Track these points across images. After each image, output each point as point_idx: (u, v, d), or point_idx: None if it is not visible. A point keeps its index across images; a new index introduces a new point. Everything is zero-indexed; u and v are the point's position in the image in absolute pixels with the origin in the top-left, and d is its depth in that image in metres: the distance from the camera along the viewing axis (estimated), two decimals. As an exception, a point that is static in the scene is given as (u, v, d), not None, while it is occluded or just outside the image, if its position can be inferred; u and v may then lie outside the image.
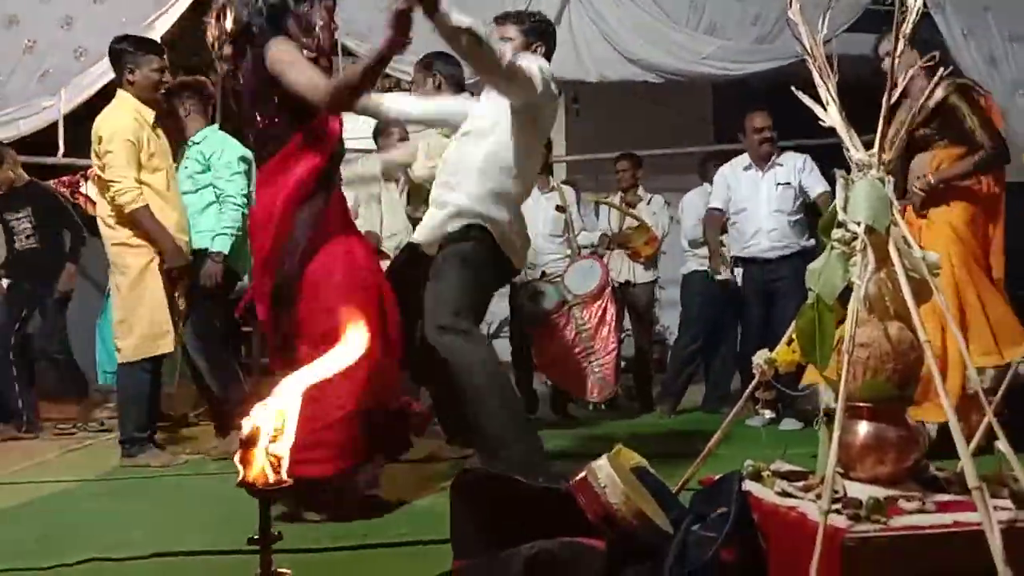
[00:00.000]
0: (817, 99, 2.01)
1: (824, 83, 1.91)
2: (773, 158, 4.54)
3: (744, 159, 4.64)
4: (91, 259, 5.09)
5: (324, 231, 2.59)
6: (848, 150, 1.90)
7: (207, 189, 3.91)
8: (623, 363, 5.47)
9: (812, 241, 4.39)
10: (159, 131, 3.75)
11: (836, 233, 1.86)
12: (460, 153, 2.99)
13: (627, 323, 5.48)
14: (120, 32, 5.38)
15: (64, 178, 8.55)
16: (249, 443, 1.37)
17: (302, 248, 2.53)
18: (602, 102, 7.96)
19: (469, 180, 2.90)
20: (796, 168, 4.49)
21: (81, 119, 5.84)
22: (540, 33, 3.08)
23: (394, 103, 3.22)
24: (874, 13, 5.81)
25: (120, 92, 3.72)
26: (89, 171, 8.82)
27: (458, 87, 3.66)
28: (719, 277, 4.75)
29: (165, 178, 3.73)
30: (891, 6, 1.97)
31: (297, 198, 2.55)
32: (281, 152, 2.57)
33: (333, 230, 2.62)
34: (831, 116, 1.92)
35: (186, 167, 3.95)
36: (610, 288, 4.97)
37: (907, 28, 1.93)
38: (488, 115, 2.97)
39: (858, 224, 1.79)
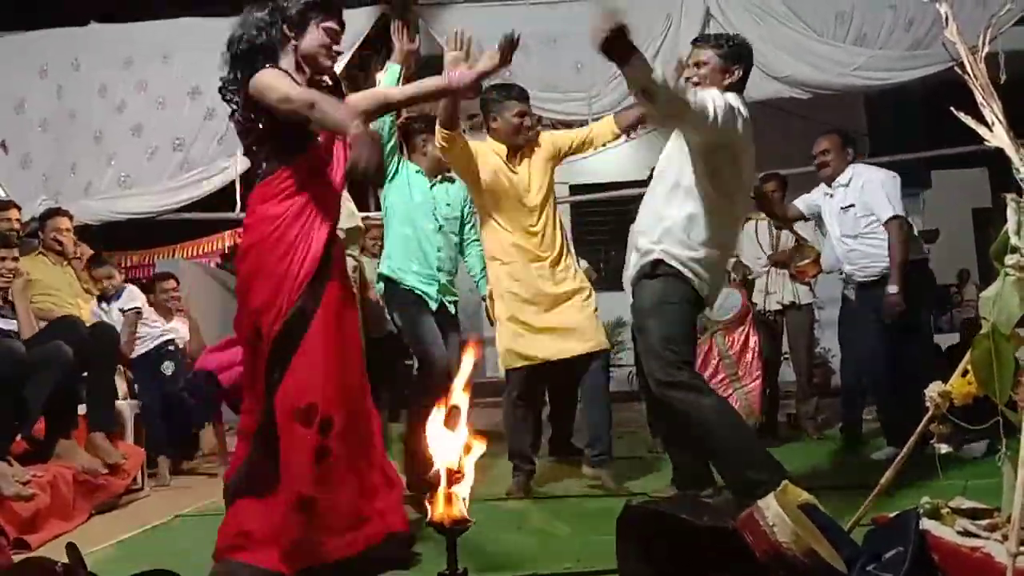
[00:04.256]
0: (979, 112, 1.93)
1: (988, 104, 1.84)
2: (839, 180, 4.20)
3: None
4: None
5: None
6: (1018, 171, 1.81)
7: None
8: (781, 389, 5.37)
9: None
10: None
11: (1010, 259, 1.77)
12: (648, 195, 3.03)
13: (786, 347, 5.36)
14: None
15: (239, 230, 9.36)
16: (437, 484, 1.48)
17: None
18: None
19: (649, 221, 2.95)
20: (857, 187, 4.12)
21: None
22: (737, 56, 2.93)
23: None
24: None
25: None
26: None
27: None
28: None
29: None
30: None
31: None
32: (266, 186, 2.46)
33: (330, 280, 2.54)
34: (998, 137, 1.84)
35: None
36: (751, 315, 4.88)
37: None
38: (669, 155, 2.96)
39: (1034, 249, 1.71)
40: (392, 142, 3.72)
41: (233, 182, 5.91)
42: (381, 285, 3.89)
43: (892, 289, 3.95)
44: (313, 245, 2.47)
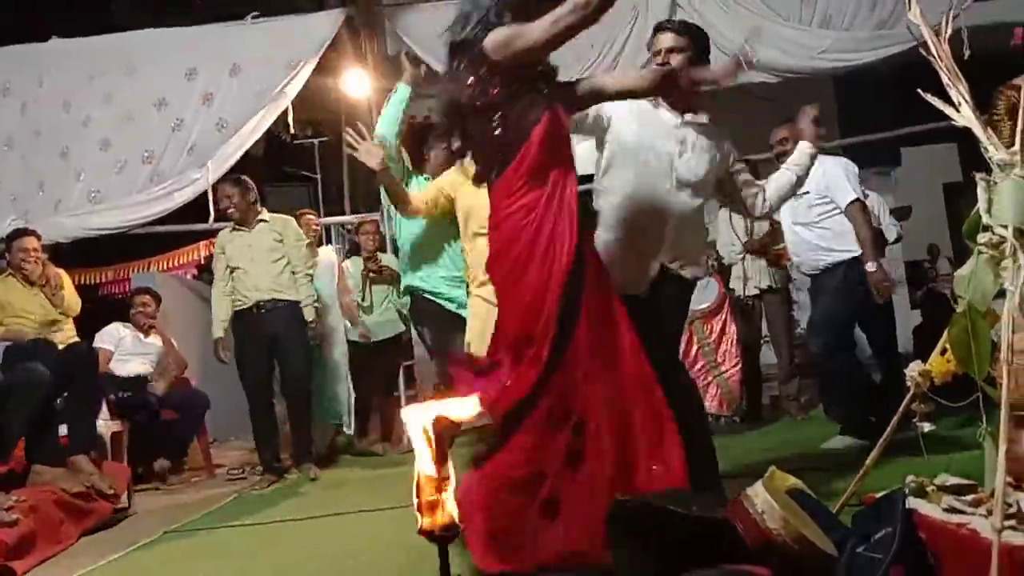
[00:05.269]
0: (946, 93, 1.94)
1: (954, 85, 1.85)
2: None
3: None
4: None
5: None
6: (987, 150, 1.83)
7: None
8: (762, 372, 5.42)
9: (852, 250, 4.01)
10: None
11: (982, 237, 1.79)
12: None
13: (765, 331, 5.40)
14: (254, 101, 5.86)
15: (214, 240, 9.27)
16: (424, 491, 1.48)
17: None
18: (715, 106, 7.82)
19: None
20: (817, 174, 3.93)
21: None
22: (707, 49, 2.91)
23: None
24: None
25: None
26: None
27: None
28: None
29: None
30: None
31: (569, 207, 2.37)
32: (522, 159, 2.35)
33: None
34: (965, 117, 1.86)
35: None
36: (728, 302, 4.93)
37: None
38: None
39: (1005, 227, 1.73)
40: (400, 165, 3.75)
41: (205, 193, 5.84)
42: (407, 299, 4.08)
43: (870, 267, 3.93)
44: (567, 239, 2.34)
